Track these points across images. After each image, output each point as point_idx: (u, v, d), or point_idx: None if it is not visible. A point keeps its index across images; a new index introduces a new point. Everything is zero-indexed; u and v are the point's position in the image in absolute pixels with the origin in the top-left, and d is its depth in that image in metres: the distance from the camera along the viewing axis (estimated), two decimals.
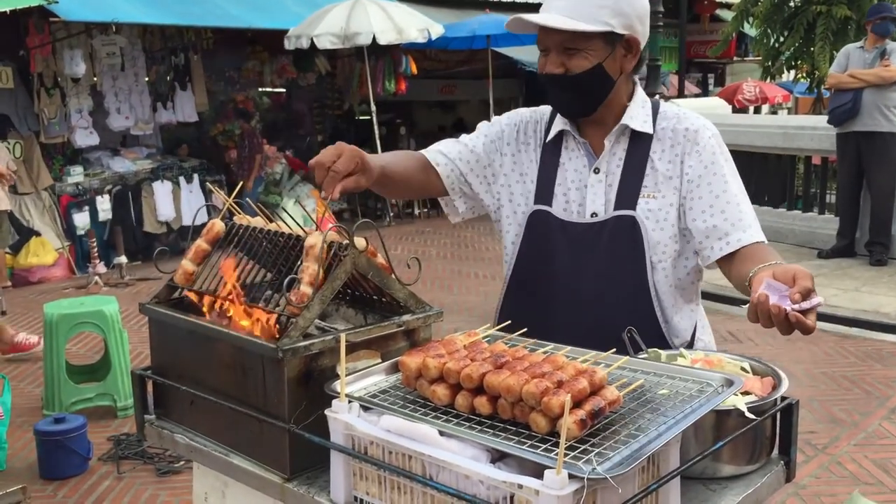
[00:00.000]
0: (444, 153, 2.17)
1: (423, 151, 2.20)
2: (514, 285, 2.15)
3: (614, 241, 2.00)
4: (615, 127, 2.03)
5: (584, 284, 2.02)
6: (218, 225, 2.00)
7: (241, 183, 2.54)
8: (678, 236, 2.01)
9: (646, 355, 1.80)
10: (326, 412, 1.54)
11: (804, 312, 1.50)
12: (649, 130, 2.03)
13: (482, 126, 2.24)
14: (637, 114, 2.03)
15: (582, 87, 1.98)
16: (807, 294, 1.51)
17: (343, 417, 1.51)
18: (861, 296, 6.77)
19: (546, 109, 2.18)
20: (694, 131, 2.01)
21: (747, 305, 1.59)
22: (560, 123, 2.09)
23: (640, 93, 2.06)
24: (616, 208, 2.01)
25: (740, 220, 1.93)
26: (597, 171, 2.04)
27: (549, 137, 2.11)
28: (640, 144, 2.03)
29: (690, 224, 1.98)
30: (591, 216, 2.03)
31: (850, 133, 7.65)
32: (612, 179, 2.03)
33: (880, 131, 7.47)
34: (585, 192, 2.04)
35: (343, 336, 1.59)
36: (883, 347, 5.92)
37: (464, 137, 2.21)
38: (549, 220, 2.06)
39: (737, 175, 2.02)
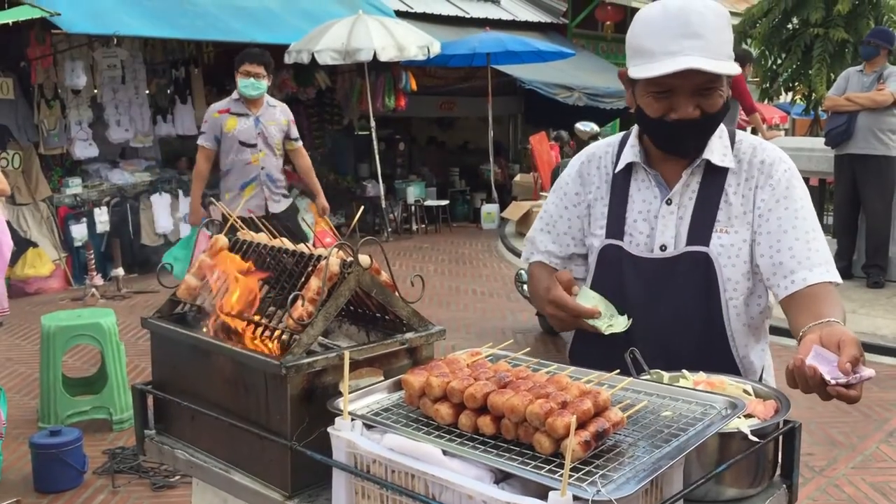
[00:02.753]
0: (551, 253, 2.17)
1: (534, 260, 2.20)
2: None
3: (687, 278, 1.93)
4: (695, 161, 1.96)
5: (657, 321, 1.94)
6: (222, 240, 2.00)
7: (244, 200, 2.54)
8: (750, 273, 1.95)
9: (648, 376, 1.80)
10: (329, 430, 1.53)
11: (849, 385, 1.48)
12: (729, 164, 1.96)
13: (555, 204, 2.17)
14: (716, 147, 1.96)
15: (714, 126, 1.92)
16: (856, 363, 1.50)
17: (346, 435, 1.51)
18: (858, 318, 6.78)
19: (614, 140, 2.12)
20: (769, 164, 1.95)
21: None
22: (630, 155, 2.02)
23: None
24: (688, 243, 1.94)
25: (808, 259, 1.86)
26: (669, 202, 1.97)
27: (618, 169, 2.05)
28: (715, 177, 1.96)
29: (758, 260, 1.92)
30: (661, 249, 1.96)
31: (846, 155, 7.69)
32: (683, 212, 1.96)
33: (874, 154, 7.52)
34: (655, 223, 1.98)
35: (347, 353, 1.59)
36: (880, 370, 5.90)
37: (550, 225, 2.17)
38: (622, 255, 2.00)
39: (811, 211, 1.94)
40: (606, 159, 2.10)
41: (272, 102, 6.01)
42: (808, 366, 1.52)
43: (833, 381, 1.50)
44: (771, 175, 1.95)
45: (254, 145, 5.86)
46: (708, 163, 1.97)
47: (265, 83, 5.84)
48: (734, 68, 1.84)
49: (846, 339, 1.55)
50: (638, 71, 1.85)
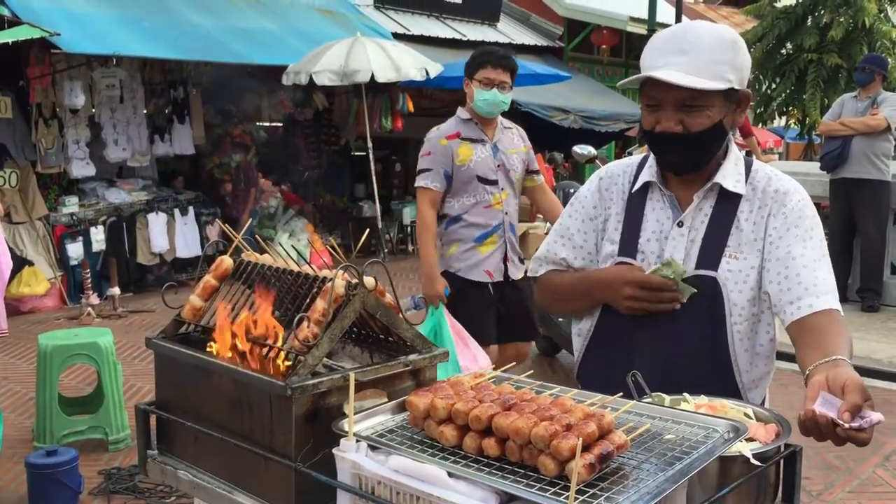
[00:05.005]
0: (566, 261, 2.18)
1: (543, 272, 2.23)
2: (600, 335, 2.11)
3: (693, 301, 1.96)
4: (707, 184, 1.99)
5: (662, 342, 1.97)
6: (227, 261, 2.02)
7: (249, 220, 2.56)
8: (757, 300, 1.98)
9: (650, 400, 1.81)
10: (334, 451, 1.54)
11: (861, 429, 1.49)
12: (741, 191, 1.99)
13: (572, 217, 2.19)
14: (730, 172, 1.99)
15: (700, 146, 1.93)
16: (855, 411, 1.49)
17: (351, 456, 1.52)
18: (853, 342, 6.78)
19: (634, 161, 2.16)
20: (783, 193, 1.98)
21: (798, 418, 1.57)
22: (647, 175, 2.06)
23: (733, 150, 2.02)
24: (698, 266, 1.97)
25: (815, 286, 1.87)
26: (681, 224, 2.01)
27: (635, 188, 2.09)
28: (728, 203, 1.99)
29: (767, 286, 1.95)
30: None
31: (841, 179, 7.76)
32: (694, 235, 2.00)
33: (868, 178, 7.58)
34: (664, 244, 2.01)
35: (352, 375, 1.60)
36: (876, 394, 5.90)
37: (566, 236, 2.19)
38: None
39: (821, 241, 1.97)
40: (624, 178, 2.13)
41: (506, 123, 4.35)
42: (819, 414, 1.52)
43: (846, 426, 1.50)
44: (784, 204, 1.97)
45: (494, 182, 4.16)
46: (721, 188, 2.00)
47: (510, 96, 4.22)
48: (714, 85, 1.85)
49: (850, 385, 1.54)
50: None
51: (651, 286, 1.94)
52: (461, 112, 4.23)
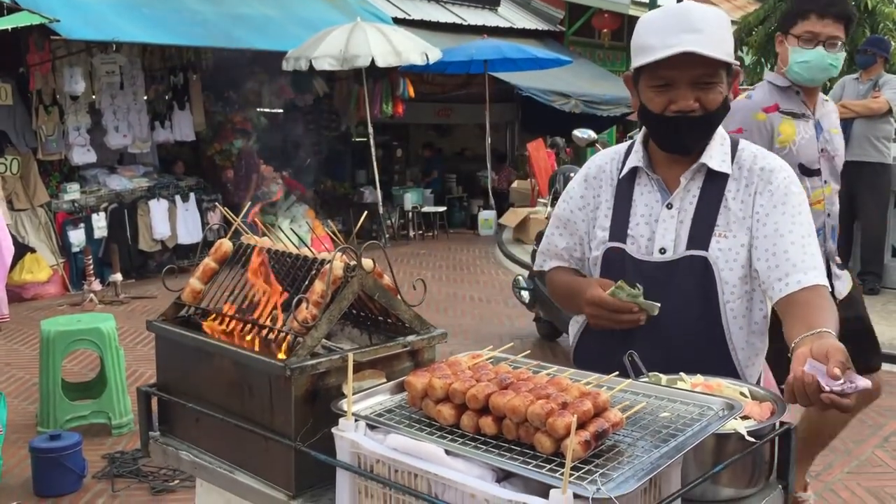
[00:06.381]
0: (568, 249, 2.23)
1: (549, 266, 2.29)
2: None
3: (686, 281, 1.98)
4: (693, 165, 2.01)
5: (657, 322, 1.97)
6: (226, 244, 2.03)
7: (250, 204, 2.57)
8: (748, 277, 2.00)
9: (647, 379, 1.83)
10: (333, 430, 1.56)
11: (843, 394, 1.52)
12: (727, 170, 2.00)
13: (563, 207, 2.24)
14: (716, 152, 2.01)
15: (712, 123, 1.97)
16: (843, 367, 1.53)
17: (350, 436, 1.53)
18: None
19: (620, 148, 2.18)
20: (769, 171, 2.00)
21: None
22: (634, 160, 2.09)
23: (719, 130, 2.03)
24: (688, 247, 1.99)
25: (803, 262, 1.90)
26: (669, 206, 2.03)
27: (623, 174, 2.11)
28: (715, 183, 2.01)
29: (756, 263, 1.97)
30: (660, 251, 2.02)
31: None
32: (683, 216, 2.01)
33: (869, 161, 7.56)
34: (655, 227, 2.03)
35: (351, 356, 1.62)
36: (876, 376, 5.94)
37: (560, 229, 2.24)
38: (624, 258, 2.05)
39: (808, 218, 1.99)
40: (612, 165, 2.16)
41: (823, 95, 3.32)
42: (807, 374, 1.55)
43: (828, 389, 1.53)
44: (770, 181, 1.99)
45: (817, 172, 3.18)
46: (708, 168, 2.02)
47: (842, 57, 3.15)
48: (733, 61, 1.91)
49: (833, 351, 1.58)
50: (639, 62, 1.93)
51: (606, 307, 1.95)
52: (773, 77, 3.22)
